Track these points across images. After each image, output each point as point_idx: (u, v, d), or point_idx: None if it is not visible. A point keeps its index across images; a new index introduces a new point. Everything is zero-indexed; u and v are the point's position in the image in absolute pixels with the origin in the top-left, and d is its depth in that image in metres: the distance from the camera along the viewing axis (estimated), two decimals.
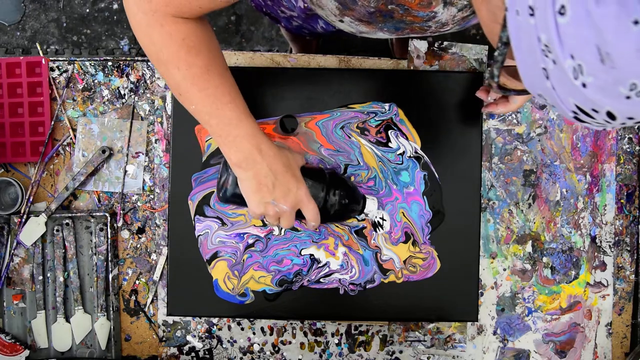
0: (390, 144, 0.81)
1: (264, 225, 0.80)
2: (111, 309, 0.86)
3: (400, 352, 0.89)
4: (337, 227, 0.81)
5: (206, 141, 0.81)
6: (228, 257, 0.80)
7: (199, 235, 0.80)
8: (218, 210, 0.80)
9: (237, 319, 0.87)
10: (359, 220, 0.81)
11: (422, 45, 0.87)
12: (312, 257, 0.81)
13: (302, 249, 0.81)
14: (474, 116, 0.82)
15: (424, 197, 0.81)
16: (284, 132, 0.80)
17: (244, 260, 0.80)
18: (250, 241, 0.81)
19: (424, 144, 0.81)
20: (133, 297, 0.88)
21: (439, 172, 0.81)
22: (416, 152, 0.81)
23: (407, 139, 0.81)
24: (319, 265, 0.81)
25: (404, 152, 0.81)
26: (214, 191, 0.80)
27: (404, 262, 0.81)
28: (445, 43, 0.87)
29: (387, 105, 0.81)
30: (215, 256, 0.80)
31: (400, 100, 0.81)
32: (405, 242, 0.81)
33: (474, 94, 0.80)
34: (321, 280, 0.81)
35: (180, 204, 0.81)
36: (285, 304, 0.81)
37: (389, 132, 0.81)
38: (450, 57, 0.87)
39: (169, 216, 0.81)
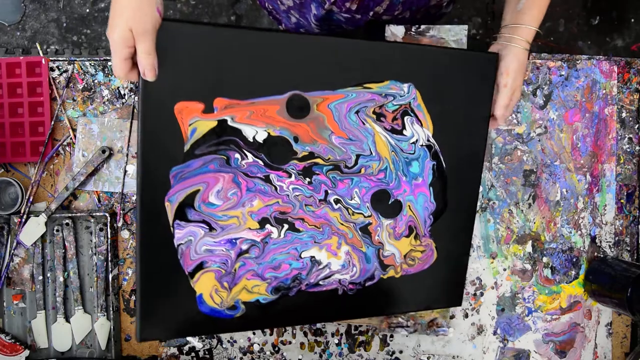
0: (404, 132, 0.74)
1: (261, 227, 0.71)
2: (111, 309, 0.86)
3: (401, 352, 0.89)
4: (342, 224, 0.76)
5: (190, 125, 0.64)
6: (216, 268, 0.68)
7: (179, 245, 0.66)
8: (205, 213, 0.67)
9: None
10: (365, 217, 0.77)
11: (399, 31, 0.86)
12: (312, 259, 0.74)
13: (303, 251, 0.73)
14: (484, 101, 0.77)
15: (430, 188, 0.77)
16: (292, 115, 0.67)
17: (235, 270, 0.70)
18: (245, 247, 0.70)
19: (435, 130, 0.75)
20: (133, 297, 0.88)
21: (445, 160, 0.77)
22: (428, 140, 0.76)
23: (421, 125, 0.75)
24: (319, 267, 0.75)
25: (416, 140, 0.75)
26: (198, 190, 0.66)
27: (404, 256, 0.79)
28: (423, 27, 0.86)
29: (405, 87, 0.73)
30: (200, 267, 0.68)
31: (418, 79, 0.73)
32: (408, 235, 0.78)
33: (487, 76, 0.75)
34: (320, 282, 0.75)
35: (155, 206, 0.65)
36: (279, 310, 0.73)
37: (405, 118, 0.74)
38: (428, 41, 0.86)
39: (140, 223, 0.64)
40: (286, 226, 0.72)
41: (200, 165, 0.66)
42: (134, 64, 0.57)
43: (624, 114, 0.89)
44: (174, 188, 0.65)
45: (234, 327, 0.71)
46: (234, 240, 0.69)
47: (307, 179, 0.71)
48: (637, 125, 0.89)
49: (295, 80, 0.67)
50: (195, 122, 0.64)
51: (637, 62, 0.89)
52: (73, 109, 0.88)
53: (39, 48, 1.46)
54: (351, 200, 0.74)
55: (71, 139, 0.88)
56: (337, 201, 0.74)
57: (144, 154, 0.63)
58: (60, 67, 0.88)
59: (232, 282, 0.70)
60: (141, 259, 0.65)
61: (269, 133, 0.67)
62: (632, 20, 1.74)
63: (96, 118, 0.88)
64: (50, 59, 0.88)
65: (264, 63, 0.65)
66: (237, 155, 0.67)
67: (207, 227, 0.67)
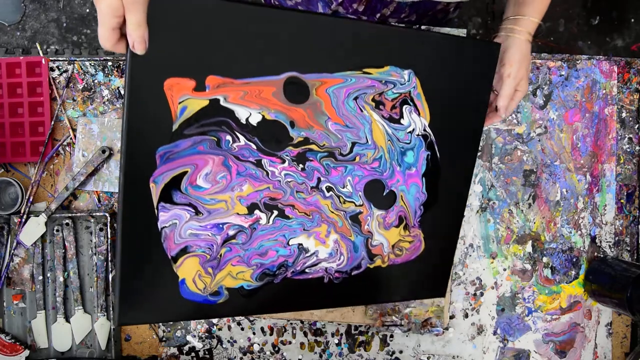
0: (402, 121, 0.73)
1: (250, 213, 0.68)
2: (111, 309, 0.86)
3: (401, 352, 0.89)
4: (332, 212, 0.74)
5: (179, 102, 0.60)
6: (201, 253, 0.66)
7: (163, 228, 0.64)
8: (192, 196, 0.64)
9: (237, 319, 0.87)
10: (357, 205, 0.75)
11: None
12: (300, 246, 0.72)
13: (291, 238, 0.70)
14: (483, 92, 0.76)
15: (423, 178, 0.76)
16: (290, 99, 0.64)
17: (221, 255, 0.67)
18: (231, 232, 0.67)
19: (432, 119, 0.74)
20: None
21: (439, 150, 0.75)
22: (424, 130, 0.74)
23: (419, 114, 0.73)
24: (307, 255, 0.72)
25: (413, 129, 0.74)
26: (186, 172, 0.63)
27: (392, 246, 0.77)
28: (423, 28, 0.86)
29: (406, 74, 0.71)
30: (184, 252, 0.65)
31: (418, 65, 0.71)
32: (398, 226, 0.76)
33: (488, 66, 0.74)
34: (306, 270, 0.73)
35: (139, 187, 0.62)
36: (263, 297, 0.72)
37: (404, 107, 0.72)
38: None
39: (122, 203, 0.61)
40: (275, 212, 0.70)
41: (188, 146, 0.62)
42: (123, 35, 0.54)
43: (624, 114, 0.89)
44: (159, 169, 0.62)
45: (216, 313, 0.70)
46: (220, 225, 0.66)
47: (301, 166, 0.69)
48: (637, 125, 0.90)
49: (292, 61, 0.64)
50: (185, 100, 0.60)
51: (637, 62, 0.89)
52: (73, 109, 0.88)
53: (39, 48, 1.46)
54: (343, 188, 0.72)
55: (71, 139, 0.88)
56: (329, 189, 0.71)
57: (130, 131, 0.59)
58: (60, 67, 0.88)
59: (217, 268, 0.68)
60: (122, 240, 0.63)
61: (263, 116, 0.64)
62: (632, 20, 1.75)
63: (96, 118, 0.88)
64: (50, 59, 0.88)
65: (260, 40, 0.61)
66: (229, 138, 0.64)
67: (193, 211, 0.65)
